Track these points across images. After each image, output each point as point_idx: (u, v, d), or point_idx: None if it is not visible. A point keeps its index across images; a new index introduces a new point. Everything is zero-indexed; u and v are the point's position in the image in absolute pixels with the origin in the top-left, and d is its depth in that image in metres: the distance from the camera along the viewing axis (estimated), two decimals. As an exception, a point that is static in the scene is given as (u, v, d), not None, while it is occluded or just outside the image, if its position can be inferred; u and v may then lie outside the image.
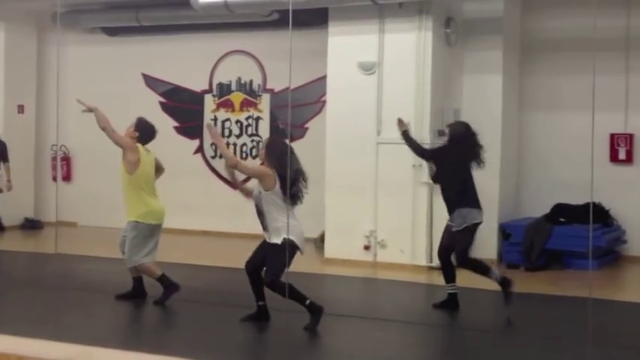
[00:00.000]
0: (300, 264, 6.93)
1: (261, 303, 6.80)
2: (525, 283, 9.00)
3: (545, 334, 6.77)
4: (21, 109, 13.13)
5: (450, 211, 7.39)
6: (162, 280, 7.57)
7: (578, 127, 10.36)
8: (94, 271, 7.97)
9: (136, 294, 7.67)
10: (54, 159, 13.24)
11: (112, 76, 12.97)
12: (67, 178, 13.30)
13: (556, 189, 10.24)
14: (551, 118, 10.54)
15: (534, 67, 10.59)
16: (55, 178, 13.02)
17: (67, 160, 13.27)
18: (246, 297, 6.87)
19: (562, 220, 9.92)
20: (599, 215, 9.83)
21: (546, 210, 10.07)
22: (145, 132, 7.74)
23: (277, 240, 6.59)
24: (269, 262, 6.64)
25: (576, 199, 9.96)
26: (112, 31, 12.96)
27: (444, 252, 7.54)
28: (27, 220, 13.11)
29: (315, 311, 6.63)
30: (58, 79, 10.66)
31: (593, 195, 6.68)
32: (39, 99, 13.33)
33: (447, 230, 7.48)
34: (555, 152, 10.49)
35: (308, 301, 6.62)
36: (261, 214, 6.69)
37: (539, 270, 9.62)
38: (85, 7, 12.27)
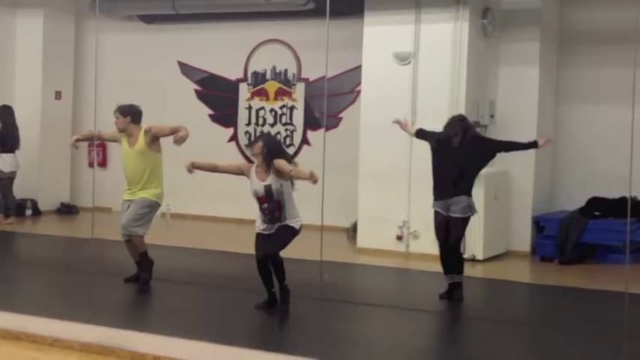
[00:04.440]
0: (332, 253, 6.96)
1: (272, 290, 6.91)
2: (559, 276, 8.96)
3: (579, 329, 6.72)
4: (58, 95, 13.27)
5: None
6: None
7: (616, 120, 10.24)
8: (129, 256, 8.07)
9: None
10: (90, 145, 13.36)
11: (148, 64, 13.06)
12: (102, 164, 13.43)
13: (592, 182, 10.12)
14: (589, 111, 10.41)
15: (572, 58, 10.46)
16: (91, 164, 13.16)
17: (102, 146, 13.39)
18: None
19: (597, 213, 9.82)
20: (634, 209, 9.72)
21: (582, 203, 9.96)
22: (134, 114, 7.88)
23: (295, 224, 6.81)
24: (278, 238, 6.80)
25: (613, 192, 9.86)
26: (148, 19, 13.05)
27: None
28: (63, 205, 13.27)
29: (286, 295, 6.95)
30: (96, 66, 10.78)
31: (631, 189, 6.59)
32: (76, 85, 13.47)
33: (445, 219, 7.38)
34: (593, 145, 10.36)
35: (285, 283, 6.92)
36: (279, 207, 6.75)
37: (573, 264, 9.54)
38: (123, -6, 12.37)
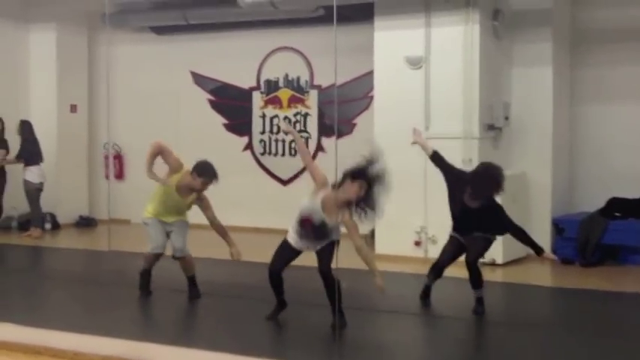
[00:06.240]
0: (350, 260, 6.91)
1: (282, 297, 6.88)
2: (580, 279, 8.90)
3: (602, 331, 6.66)
4: (74, 108, 13.33)
5: None
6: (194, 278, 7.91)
7: (633, 119, 10.19)
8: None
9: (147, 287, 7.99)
10: (106, 157, 13.42)
11: (160, 75, 13.11)
12: (119, 176, 13.49)
13: (611, 182, 10.06)
14: (605, 110, 10.34)
15: (586, 58, 10.40)
16: (107, 176, 13.21)
17: (119, 158, 13.44)
18: (297, 293, 6.88)
19: (617, 214, 9.75)
20: (655, 209, 9.67)
21: (602, 204, 9.89)
22: None
23: (337, 236, 6.62)
24: (326, 254, 6.58)
25: (633, 192, 9.79)
26: (160, 30, 13.10)
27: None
28: (81, 217, 13.33)
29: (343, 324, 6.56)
30: (108, 78, 10.83)
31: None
32: (91, 98, 13.53)
33: (460, 243, 7.32)
34: (610, 145, 10.29)
35: (341, 308, 6.55)
36: (324, 235, 6.57)
37: (594, 266, 9.48)
38: (134, 6, 12.42)
